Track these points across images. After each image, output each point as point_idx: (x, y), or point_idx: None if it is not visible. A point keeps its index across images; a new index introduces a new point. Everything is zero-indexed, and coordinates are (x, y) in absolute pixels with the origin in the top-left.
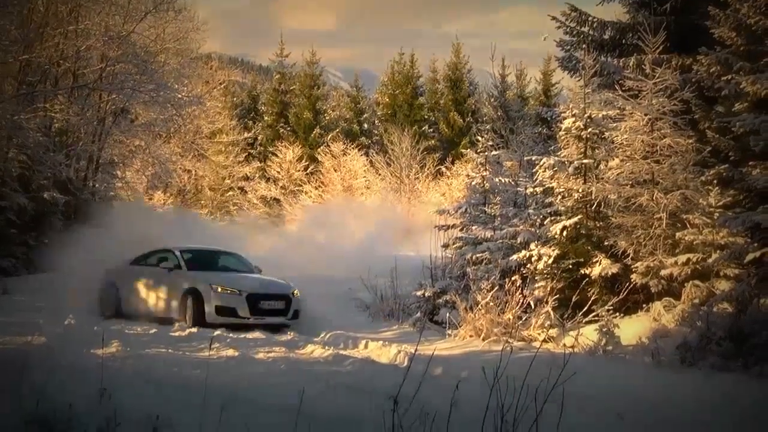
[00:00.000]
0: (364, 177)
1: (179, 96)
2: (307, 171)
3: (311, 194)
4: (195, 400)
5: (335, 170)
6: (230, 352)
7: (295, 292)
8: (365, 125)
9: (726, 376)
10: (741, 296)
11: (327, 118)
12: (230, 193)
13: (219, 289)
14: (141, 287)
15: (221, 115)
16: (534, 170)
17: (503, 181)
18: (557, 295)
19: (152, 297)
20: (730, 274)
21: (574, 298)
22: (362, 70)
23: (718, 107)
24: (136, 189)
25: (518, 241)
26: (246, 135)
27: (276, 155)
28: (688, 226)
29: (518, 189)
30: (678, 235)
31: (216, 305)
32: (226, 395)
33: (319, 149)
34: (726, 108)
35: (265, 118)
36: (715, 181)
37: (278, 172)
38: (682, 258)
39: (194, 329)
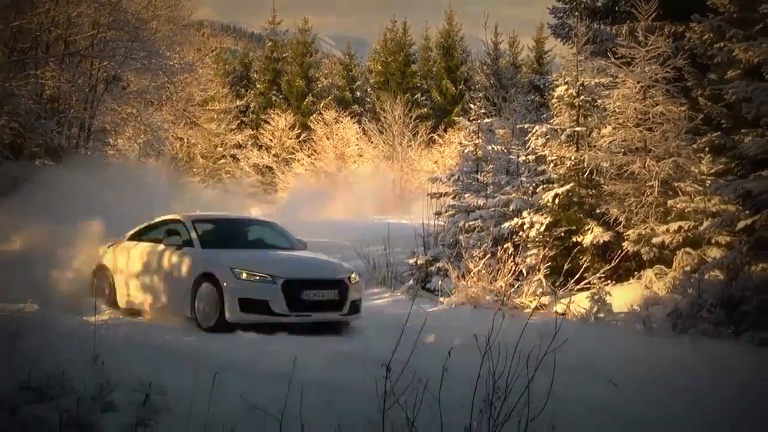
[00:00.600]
0: (357, 145)
1: (171, 63)
2: (300, 139)
3: (303, 162)
4: (188, 366)
5: (327, 138)
6: None
7: (353, 276)
8: (357, 93)
9: (717, 342)
10: (732, 263)
11: (319, 85)
12: (222, 160)
13: (244, 275)
14: (138, 272)
15: (213, 82)
16: (526, 138)
17: (496, 149)
18: (549, 263)
19: (151, 287)
20: (721, 241)
21: (566, 266)
22: (355, 37)
23: (710, 74)
24: (128, 157)
25: (510, 209)
26: (238, 103)
27: (268, 123)
28: (680, 193)
29: (511, 157)
30: (670, 202)
31: (240, 298)
32: (219, 362)
33: (311, 117)
34: (718, 75)
35: (258, 85)
36: (707, 149)
37: (270, 140)
38: (674, 225)
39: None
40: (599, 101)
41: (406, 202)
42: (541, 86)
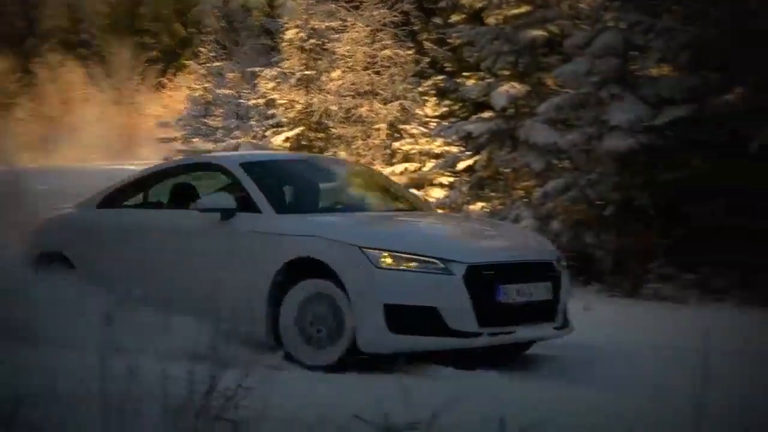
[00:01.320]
0: (83, 89)
1: None
2: (21, 83)
3: (25, 108)
4: None
5: (52, 82)
6: None
7: (561, 258)
8: (84, 36)
9: None
10: (454, 203)
11: (43, 27)
12: None
13: (388, 259)
14: (135, 266)
15: None
16: (256, 82)
17: (226, 93)
18: None
19: (172, 293)
20: (444, 182)
21: None
22: None
23: (436, 19)
24: None
25: None
26: None
27: None
28: (406, 136)
29: (241, 101)
30: (396, 145)
31: (387, 305)
32: None
33: (33, 60)
34: (443, 19)
35: None
36: (432, 92)
37: None
38: (400, 167)
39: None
40: (329, 45)
41: (134, 147)
42: (272, 30)
